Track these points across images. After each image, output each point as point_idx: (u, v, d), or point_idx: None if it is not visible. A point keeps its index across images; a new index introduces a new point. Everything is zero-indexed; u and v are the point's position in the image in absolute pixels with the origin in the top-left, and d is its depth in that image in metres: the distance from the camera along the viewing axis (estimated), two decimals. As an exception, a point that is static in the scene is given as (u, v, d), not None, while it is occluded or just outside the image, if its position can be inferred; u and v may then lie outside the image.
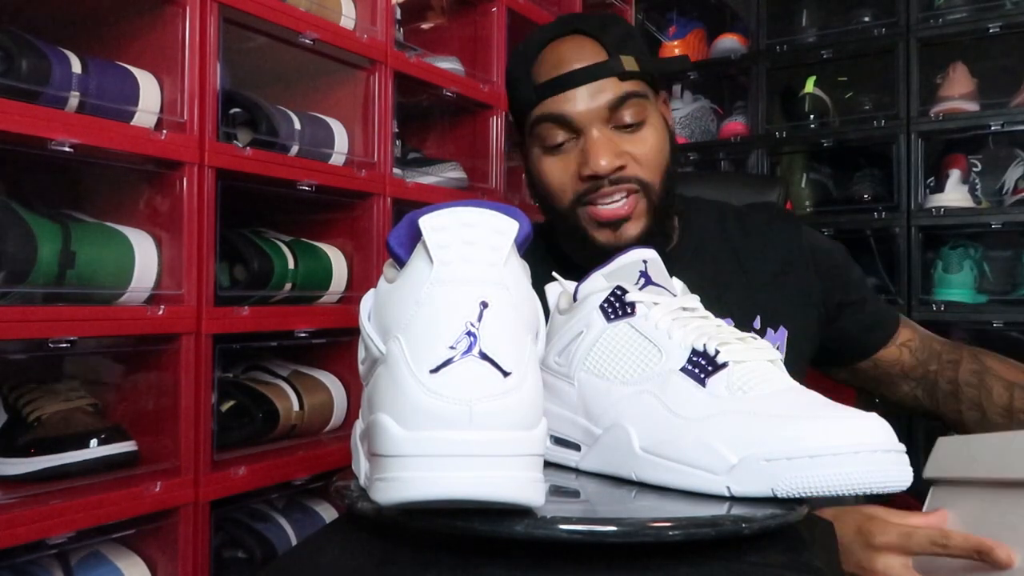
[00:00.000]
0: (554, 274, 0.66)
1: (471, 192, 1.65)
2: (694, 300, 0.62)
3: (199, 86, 1.10)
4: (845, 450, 0.47)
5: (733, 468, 0.50)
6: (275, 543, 1.22)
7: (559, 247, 0.99)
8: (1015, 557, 0.66)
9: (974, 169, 2.11)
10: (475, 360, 0.42)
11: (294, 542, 1.23)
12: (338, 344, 1.36)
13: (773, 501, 0.49)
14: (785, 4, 2.33)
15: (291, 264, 1.26)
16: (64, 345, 0.97)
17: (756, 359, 0.56)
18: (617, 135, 0.88)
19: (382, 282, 0.50)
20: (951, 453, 0.78)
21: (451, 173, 1.62)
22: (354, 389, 1.36)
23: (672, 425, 0.53)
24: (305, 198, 1.29)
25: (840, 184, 2.29)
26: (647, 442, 0.54)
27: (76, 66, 1.01)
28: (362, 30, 1.38)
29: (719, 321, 0.61)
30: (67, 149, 0.97)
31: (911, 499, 0.98)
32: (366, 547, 0.50)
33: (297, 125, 1.28)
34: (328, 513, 1.32)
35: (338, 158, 1.35)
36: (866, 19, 2.18)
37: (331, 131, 1.35)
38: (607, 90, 0.86)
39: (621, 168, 0.87)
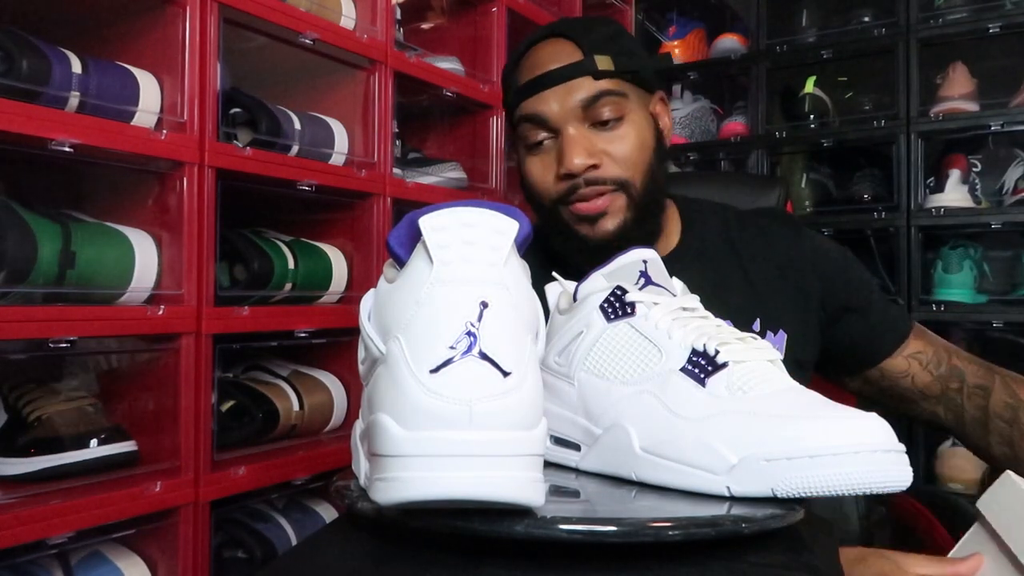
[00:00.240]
0: (554, 274, 0.66)
1: (471, 192, 1.65)
2: (694, 300, 0.62)
3: (199, 86, 1.10)
4: (845, 450, 0.47)
5: (733, 468, 0.50)
6: (275, 543, 1.22)
7: (544, 250, 1.00)
8: None
9: (974, 169, 2.11)
10: (475, 360, 0.42)
11: (294, 542, 1.23)
12: (338, 344, 1.36)
13: (773, 501, 0.49)
14: (785, 4, 2.32)
15: (291, 264, 1.26)
16: (64, 345, 0.97)
17: (756, 359, 0.56)
18: (594, 133, 0.90)
19: (382, 282, 0.50)
20: (1015, 496, 0.69)
21: (451, 173, 1.62)
22: (354, 389, 1.36)
23: (672, 425, 0.53)
24: (305, 198, 1.29)
25: (840, 184, 2.29)
26: (647, 442, 0.54)
27: (76, 66, 1.01)
28: (362, 30, 1.38)
29: (719, 321, 0.61)
30: (67, 149, 0.97)
31: (911, 499, 0.99)
32: (366, 547, 0.51)
33: (297, 125, 1.28)
34: (328, 513, 1.32)
35: (338, 158, 1.35)
36: (866, 19, 2.18)
37: (331, 131, 1.35)
38: (581, 89, 0.89)
39: (595, 167, 0.89)
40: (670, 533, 0.45)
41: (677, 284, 0.64)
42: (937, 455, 2.01)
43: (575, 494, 0.56)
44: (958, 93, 2.04)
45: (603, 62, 0.89)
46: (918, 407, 0.97)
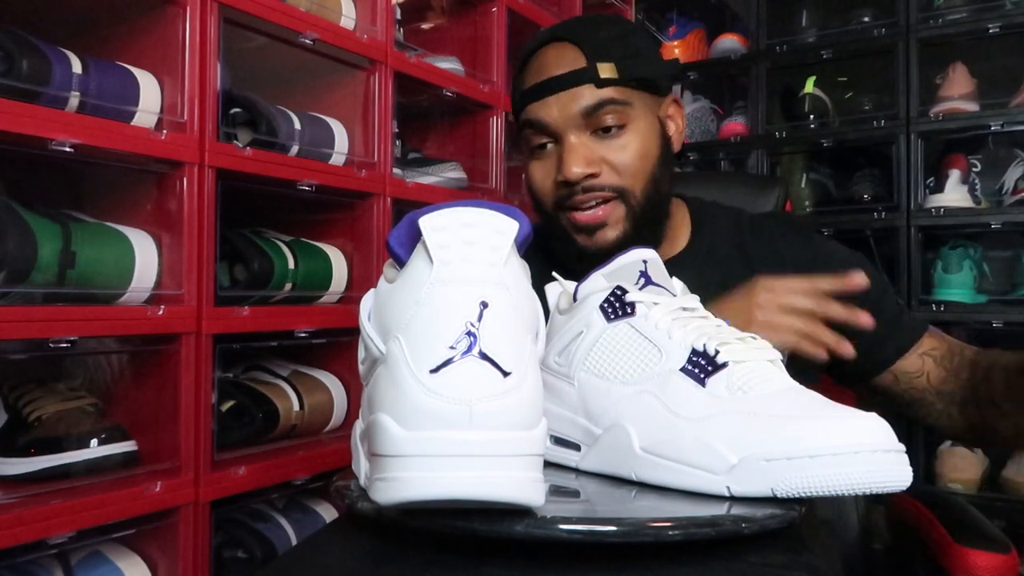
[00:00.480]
0: (554, 274, 0.66)
1: (471, 192, 1.65)
2: (694, 300, 0.62)
3: (199, 86, 1.10)
4: (845, 450, 0.47)
5: (733, 468, 0.50)
6: (275, 543, 1.22)
7: (546, 249, 1.00)
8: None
9: (974, 169, 2.11)
10: (475, 360, 0.42)
11: (294, 542, 1.23)
12: (338, 344, 1.36)
13: (773, 501, 0.49)
14: (785, 4, 2.33)
15: (291, 264, 1.26)
16: (64, 345, 0.97)
17: (756, 359, 0.56)
18: (595, 141, 0.89)
19: (382, 282, 0.50)
20: None
21: (451, 173, 1.62)
22: (354, 389, 1.36)
23: (672, 425, 0.53)
24: (305, 198, 1.29)
25: (840, 184, 2.29)
26: (647, 442, 0.54)
27: (76, 66, 1.01)
28: (362, 30, 1.38)
29: (719, 321, 0.61)
30: (67, 149, 0.97)
31: (911, 499, 0.99)
32: (366, 547, 0.51)
33: (297, 125, 1.28)
34: (328, 513, 1.32)
35: (338, 158, 1.35)
36: (866, 19, 2.18)
37: (331, 131, 1.35)
38: (583, 97, 0.88)
39: (594, 176, 0.88)
40: (670, 533, 0.45)
41: (677, 284, 0.64)
42: (937, 455, 2.01)
43: (575, 494, 0.56)
44: (958, 93, 2.04)
45: (606, 70, 0.88)
46: (934, 410, 0.93)
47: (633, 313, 0.59)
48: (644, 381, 0.57)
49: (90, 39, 1.15)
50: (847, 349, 0.78)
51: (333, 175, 1.30)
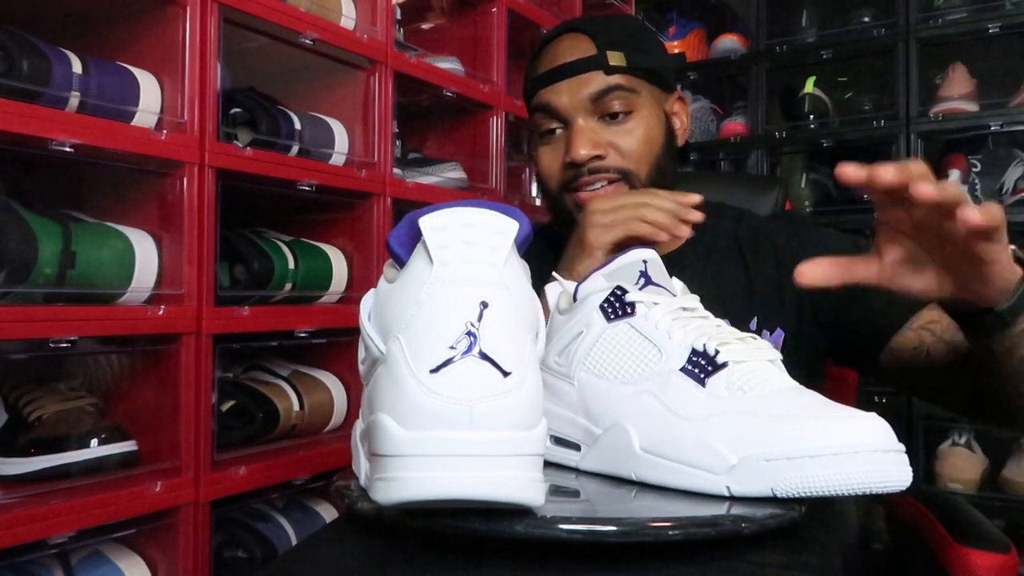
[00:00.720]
0: (554, 274, 0.67)
1: (471, 192, 1.65)
2: (694, 300, 0.62)
3: (199, 86, 1.10)
4: (845, 450, 0.47)
5: (733, 468, 0.50)
6: (275, 543, 1.22)
7: (554, 248, 1.00)
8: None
9: (974, 169, 2.11)
10: (475, 360, 0.42)
11: (294, 542, 1.23)
12: (338, 344, 1.36)
13: (773, 501, 0.49)
14: (785, 4, 2.33)
15: (291, 264, 1.26)
16: (64, 345, 0.97)
17: (756, 359, 0.56)
18: (602, 126, 0.93)
19: (382, 282, 0.50)
20: None
21: (451, 173, 1.62)
22: (354, 389, 1.36)
23: (672, 425, 0.53)
24: (305, 198, 1.29)
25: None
26: (647, 442, 0.54)
27: (77, 66, 1.01)
28: (362, 30, 1.38)
29: (719, 321, 0.61)
30: (68, 149, 0.97)
31: (911, 499, 0.99)
32: (366, 547, 0.51)
33: (297, 125, 1.28)
34: (328, 513, 1.32)
35: (338, 158, 1.35)
36: (866, 19, 2.18)
37: (331, 131, 1.35)
38: (592, 83, 0.92)
39: (600, 158, 0.92)
40: (670, 533, 0.45)
41: (677, 284, 0.64)
42: (937, 455, 2.01)
43: (575, 494, 0.56)
44: (958, 93, 2.04)
45: (615, 58, 0.92)
46: (943, 385, 0.87)
47: (633, 313, 0.59)
48: (644, 381, 0.56)
49: (90, 39, 1.15)
50: (684, 231, 0.82)
51: (333, 175, 1.30)
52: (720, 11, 2.57)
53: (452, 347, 0.42)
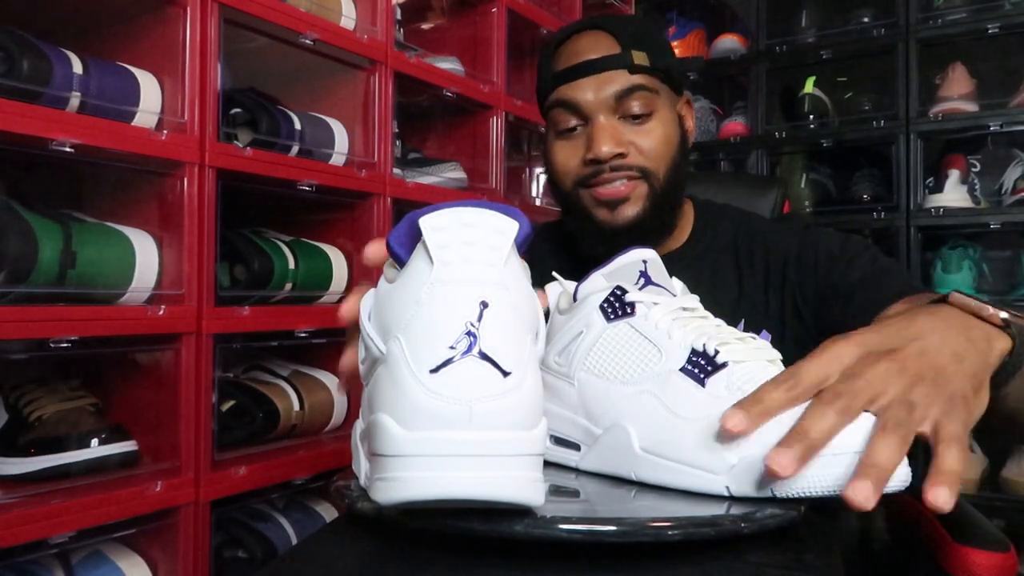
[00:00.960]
0: (554, 274, 0.67)
1: (471, 192, 1.65)
2: (694, 300, 0.62)
3: (199, 86, 1.10)
4: (845, 450, 0.47)
5: (733, 468, 0.50)
6: (275, 543, 1.22)
7: (566, 246, 1.02)
8: None
9: (973, 169, 2.11)
10: (475, 360, 0.42)
11: (294, 542, 1.23)
12: (338, 344, 1.35)
13: (773, 501, 0.49)
14: (785, 4, 2.33)
15: (291, 264, 1.26)
16: (65, 345, 0.97)
17: (755, 359, 0.56)
18: (623, 125, 0.92)
19: (382, 282, 0.50)
20: None
21: (451, 173, 1.62)
22: (354, 389, 1.36)
23: (672, 425, 0.53)
24: (305, 198, 1.29)
25: (840, 184, 2.29)
26: (647, 442, 0.54)
27: (77, 66, 1.01)
28: (362, 30, 1.38)
29: (718, 321, 0.61)
30: (68, 149, 0.97)
31: (911, 499, 0.99)
32: (366, 547, 0.51)
33: (297, 125, 1.28)
34: (328, 513, 1.32)
35: (338, 158, 1.35)
36: (865, 19, 2.19)
37: (331, 131, 1.35)
38: (616, 81, 0.91)
39: (622, 156, 0.91)
40: (670, 533, 0.45)
41: (677, 284, 0.64)
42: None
43: (575, 494, 0.56)
44: (957, 93, 2.04)
45: (639, 57, 0.92)
46: None
47: (633, 313, 0.59)
48: (644, 381, 0.57)
49: (90, 39, 1.15)
50: None
51: (333, 175, 1.30)
52: (720, 11, 2.57)
53: (452, 347, 0.42)
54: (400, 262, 0.48)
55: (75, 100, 1.01)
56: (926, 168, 2.08)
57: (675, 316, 0.59)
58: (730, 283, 0.96)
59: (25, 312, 0.93)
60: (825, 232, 0.98)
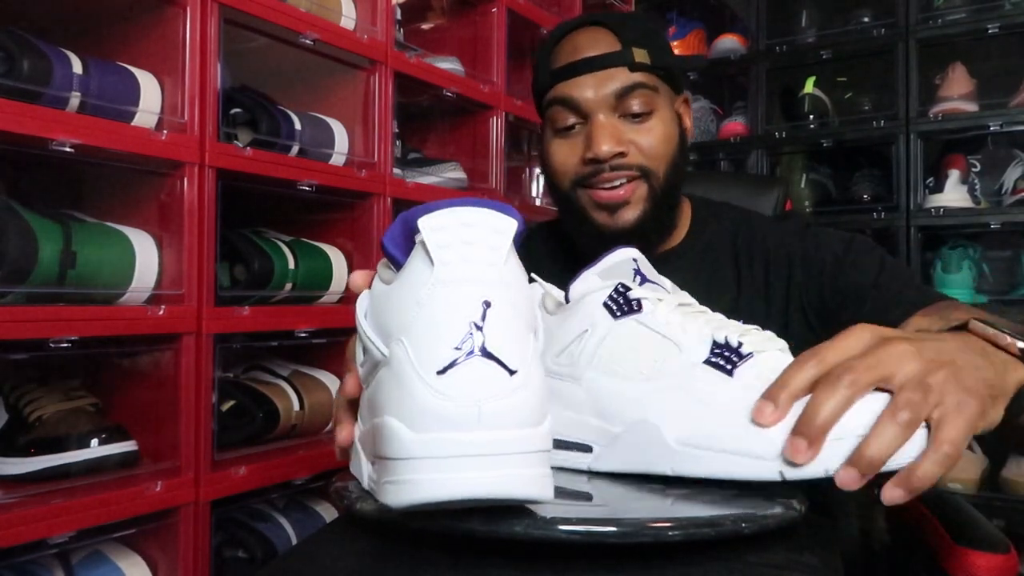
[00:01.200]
0: (533, 275, 0.65)
1: (471, 192, 1.65)
2: (687, 296, 0.62)
3: (200, 86, 1.10)
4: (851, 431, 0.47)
5: (782, 453, 0.49)
6: (275, 543, 1.22)
7: (563, 246, 1.01)
8: None
9: (973, 169, 2.11)
10: (481, 360, 0.42)
11: (294, 542, 1.23)
12: (338, 344, 1.36)
13: (773, 501, 0.49)
14: (785, 4, 2.33)
15: (291, 264, 1.26)
16: (65, 345, 0.97)
17: (771, 348, 0.55)
18: (623, 123, 0.91)
19: (377, 283, 0.50)
20: None
21: (451, 173, 1.62)
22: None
23: (708, 417, 0.52)
24: (305, 198, 1.29)
25: (840, 184, 2.29)
26: (683, 435, 0.53)
27: (77, 66, 1.01)
28: (362, 30, 1.38)
29: (719, 315, 0.61)
30: (68, 149, 0.97)
31: (912, 499, 0.99)
32: (366, 547, 0.51)
33: (297, 125, 1.28)
34: (328, 513, 1.32)
35: (338, 158, 1.35)
36: (865, 19, 2.19)
37: (331, 131, 1.35)
38: (616, 79, 0.90)
39: (622, 155, 0.90)
40: (670, 533, 0.45)
41: (666, 282, 0.64)
42: (936, 455, 2.00)
43: (587, 496, 0.55)
44: (957, 93, 2.05)
45: (640, 55, 0.90)
46: None
47: (640, 309, 0.58)
48: (664, 376, 0.56)
49: (90, 39, 1.15)
50: None
51: (333, 175, 1.30)
52: (720, 11, 2.58)
53: (457, 348, 0.42)
54: (396, 263, 0.48)
55: (75, 100, 1.01)
56: (926, 168, 2.08)
57: (682, 311, 0.59)
58: (728, 282, 0.96)
59: (25, 312, 0.93)
60: (827, 232, 0.97)
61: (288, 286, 1.27)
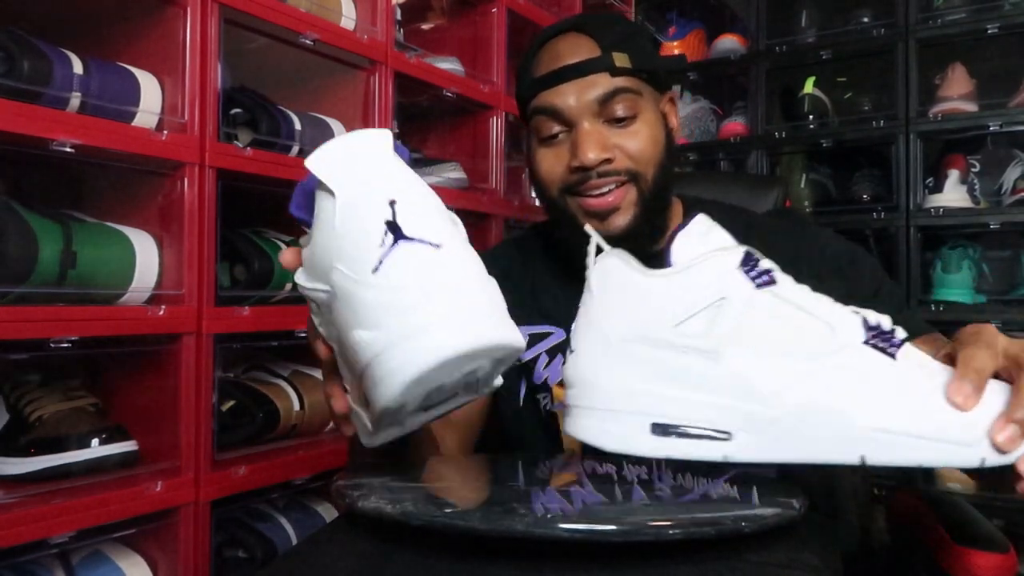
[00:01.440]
0: (588, 228, 0.61)
1: (472, 192, 1.65)
2: None
3: (200, 87, 1.10)
4: None
5: (983, 440, 0.48)
6: (276, 542, 1.22)
7: (557, 247, 1.00)
8: None
9: (973, 169, 2.11)
10: (404, 245, 0.46)
11: (294, 542, 1.23)
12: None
13: (772, 501, 0.49)
14: (785, 4, 2.33)
15: (291, 264, 1.26)
16: (65, 345, 0.97)
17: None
18: (608, 129, 0.90)
19: (303, 250, 0.53)
20: None
21: (451, 173, 1.62)
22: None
23: (902, 402, 0.50)
24: (305, 198, 1.29)
25: (840, 184, 2.29)
26: (874, 420, 0.50)
27: (77, 67, 1.01)
28: (362, 30, 1.38)
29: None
30: (68, 149, 0.97)
31: (911, 499, 0.99)
32: (366, 547, 0.51)
33: (297, 125, 1.28)
34: (328, 513, 1.32)
35: (338, 158, 1.35)
36: (865, 20, 2.18)
37: (331, 131, 1.35)
38: (598, 85, 0.89)
39: (609, 161, 0.89)
40: (670, 533, 0.45)
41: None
42: (936, 455, 2.00)
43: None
44: (957, 93, 2.04)
45: (621, 59, 0.89)
46: None
47: (775, 281, 0.53)
48: (824, 356, 0.51)
49: (91, 39, 1.15)
50: None
51: (333, 175, 1.30)
52: (720, 11, 2.57)
53: (380, 245, 0.46)
54: (308, 224, 0.52)
55: (75, 100, 1.01)
56: (926, 168, 2.08)
57: (802, 287, 0.54)
58: None
59: (25, 312, 0.93)
60: (825, 232, 0.98)
61: (288, 286, 1.26)
